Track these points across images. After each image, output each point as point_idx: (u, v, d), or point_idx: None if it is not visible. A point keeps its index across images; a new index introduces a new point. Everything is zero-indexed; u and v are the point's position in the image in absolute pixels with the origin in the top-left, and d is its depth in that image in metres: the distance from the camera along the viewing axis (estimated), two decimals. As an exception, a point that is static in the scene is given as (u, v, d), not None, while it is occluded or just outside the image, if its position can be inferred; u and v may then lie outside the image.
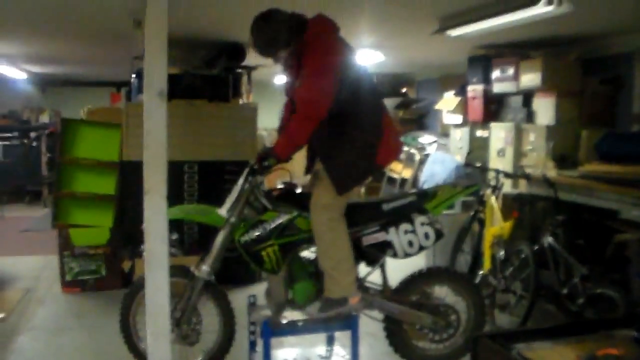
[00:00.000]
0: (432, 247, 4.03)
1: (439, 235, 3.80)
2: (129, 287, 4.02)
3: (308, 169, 3.85)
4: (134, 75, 6.92)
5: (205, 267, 3.61)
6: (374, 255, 3.75)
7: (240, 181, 3.58)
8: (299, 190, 3.82)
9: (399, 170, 8.54)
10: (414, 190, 4.58)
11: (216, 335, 3.86)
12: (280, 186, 3.83)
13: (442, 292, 3.98)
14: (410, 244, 3.74)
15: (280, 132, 3.88)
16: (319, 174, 3.65)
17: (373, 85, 3.84)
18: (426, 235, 3.76)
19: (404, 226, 3.73)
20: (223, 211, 3.59)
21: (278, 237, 3.59)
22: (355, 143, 3.52)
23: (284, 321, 3.74)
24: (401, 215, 3.75)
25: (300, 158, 3.82)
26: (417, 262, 4.84)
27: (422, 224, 3.75)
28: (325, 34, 3.53)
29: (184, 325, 3.66)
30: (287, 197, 3.74)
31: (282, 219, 3.61)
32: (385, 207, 3.77)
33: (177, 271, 3.72)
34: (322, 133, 3.49)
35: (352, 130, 3.50)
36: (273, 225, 3.60)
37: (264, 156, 3.53)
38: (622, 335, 2.76)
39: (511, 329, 3.90)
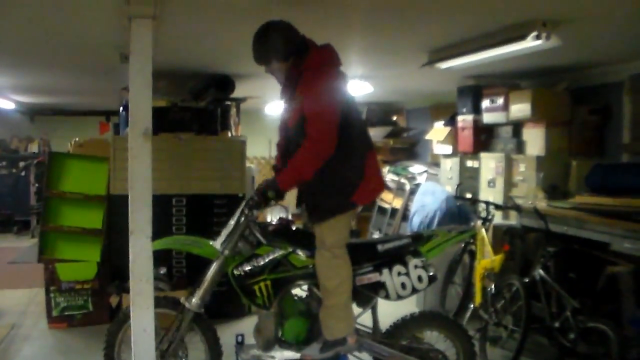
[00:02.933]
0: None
1: (432, 279, 3.80)
2: (114, 318, 3.97)
3: (299, 201, 3.83)
4: (122, 108, 6.89)
5: (195, 300, 3.60)
6: (366, 295, 3.73)
7: (237, 214, 3.59)
8: (294, 227, 3.83)
9: (389, 199, 8.51)
10: (408, 233, 4.57)
11: None
12: (275, 221, 3.84)
13: (432, 337, 3.96)
14: (403, 286, 3.73)
15: (276, 171, 3.87)
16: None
17: (361, 121, 3.85)
18: (419, 279, 3.75)
19: (398, 268, 3.73)
20: (217, 244, 3.60)
21: (271, 272, 3.58)
22: (335, 178, 3.52)
23: (273, 359, 3.70)
24: (395, 257, 3.75)
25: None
26: (408, 304, 4.82)
27: (416, 266, 3.75)
28: (329, 67, 3.54)
29: (170, 359, 3.63)
30: (282, 233, 3.74)
31: (275, 254, 3.61)
32: (380, 248, 3.78)
33: (166, 303, 3.73)
34: None
35: (336, 165, 3.49)
36: (267, 260, 3.59)
37: (266, 189, 3.53)
38: None
39: None
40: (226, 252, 3.57)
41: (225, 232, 3.60)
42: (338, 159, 3.47)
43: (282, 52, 3.50)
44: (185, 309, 3.61)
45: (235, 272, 3.58)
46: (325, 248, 3.55)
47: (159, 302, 3.65)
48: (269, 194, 3.51)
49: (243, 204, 3.61)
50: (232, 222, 3.60)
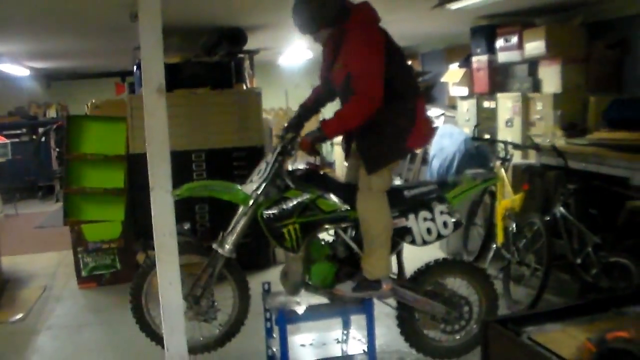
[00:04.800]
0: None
1: (457, 225, 3.82)
2: (139, 267, 4.03)
3: (347, 153, 3.91)
4: (135, 67, 6.89)
5: (228, 245, 3.65)
6: (393, 240, 3.74)
7: (270, 160, 3.63)
8: (321, 172, 3.86)
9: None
10: (429, 179, 4.58)
11: (231, 312, 3.92)
12: (303, 166, 3.85)
13: (455, 284, 4.00)
14: (429, 231, 3.76)
15: (301, 110, 3.96)
16: (357, 154, 3.72)
17: (409, 69, 3.87)
18: (445, 224, 3.78)
19: (424, 214, 3.75)
20: (248, 189, 3.64)
21: (300, 215, 3.60)
22: (388, 126, 3.58)
23: (299, 305, 3.75)
24: (421, 203, 3.78)
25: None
26: (432, 247, 4.84)
27: (442, 212, 3.77)
28: (370, 24, 3.57)
29: (203, 303, 3.73)
30: (310, 178, 3.76)
31: (304, 198, 3.63)
32: (407, 193, 3.81)
33: (198, 249, 3.83)
34: None
35: (387, 114, 3.54)
36: (295, 203, 3.61)
37: (314, 140, 3.61)
38: (632, 312, 2.73)
39: (521, 313, 3.89)
40: (260, 198, 3.60)
41: (257, 178, 3.63)
42: (389, 108, 3.52)
43: (326, 20, 3.53)
44: (218, 254, 3.66)
45: (265, 215, 3.60)
46: (370, 192, 3.61)
47: (189, 248, 3.75)
48: (317, 146, 3.64)
49: (277, 149, 3.64)
50: (265, 169, 3.63)
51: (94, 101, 6.63)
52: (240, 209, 3.69)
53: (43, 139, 10.87)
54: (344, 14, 3.52)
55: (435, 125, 4.01)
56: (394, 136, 3.60)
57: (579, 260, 4.58)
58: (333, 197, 3.71)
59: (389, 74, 3.49)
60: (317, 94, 3.98)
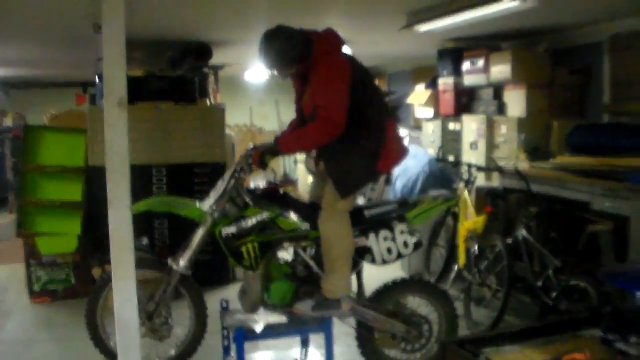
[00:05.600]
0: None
1: (417, 244, 3.86)
2: (95, 283, 3.95)
3: (317, 163, 3.90)
4: (97, 78, 6.77)
5: (183, 262, 3.63)
6: (353, 260, 3.74)
7: (227, 177, 3.63)
8: (281, 191, 3.88)
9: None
10: (392, 198, 4.61)
11: (187, 330, 3.89)
12: (263, 185, 3.86)
13: (415, 303, 4.01)
14: (389, 251, 3.79)
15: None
16: (324, 175, 3.73)
17: (377, 91, 3.88)
18: (405, 244, 3.80)
19: (384, 233, 3.77)
20: (206, 206, 3.64)
21: (258, 234, 3.61)
22: (358, 151, 3.61)
23: (258, 323, 3.69)
24: (382, 222, 3.80)
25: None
26: (393, 267, 4.87)
27: (402, 232, 3.80)
28: (333, 53, 3.60)
29: (156, 319, 3.69)
30: (270, 196, 3.76)
31: (263, 216, 3.63)
32: (367, 213, 3.84)
33: (152, 264, 3.81)
34: None
35: (356, 138, 3.57)
36: (255, 221, 3.61)
37: (265, 152, 3.56)
38: (589, 335, 2.79)
39: (479, 334, 3.93)
40: (215, 214, 3.60)
41: (214, 194, 3.63)
42: (358, 132, 3.56)
43: (293, 57, 3.55)
44: (173, 270, 3.64)
45: (223, 233, 3.60)
46: (333, 212, 3.62)
47: (145, 263, 3.71)
48: (265, 158, 3.54)
49: (235, 165, 3.64)
50: (221, 185, 3.63)
51: (53, 112, 6.51)
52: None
53: (-2, 148, 10.59)
54: (307, 46, 3.53)
55: (406, 145, 3.99)
56: (364, 161, 3.63)
57: (539, 283, 4.61)
58: (293, 216, 3.72)
59: (356, 99, 3.51)
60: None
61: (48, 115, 6.53)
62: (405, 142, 8.01)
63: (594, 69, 5.89)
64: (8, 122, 11.78)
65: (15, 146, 9.94)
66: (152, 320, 3.67)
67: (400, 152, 3.85)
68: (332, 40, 3.65)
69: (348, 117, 3.48)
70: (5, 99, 12.27)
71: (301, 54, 3.53)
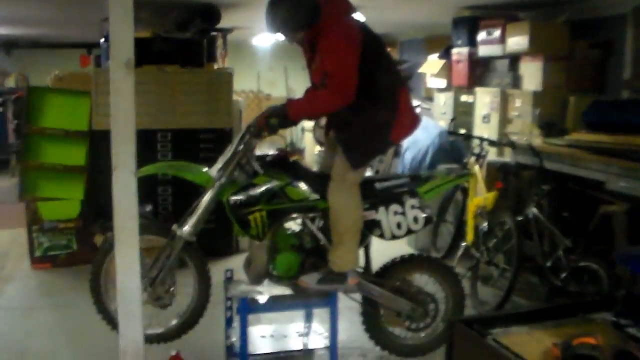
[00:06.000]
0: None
1: (427, 220, 3.79)
2: (99, 247, 3.89)
3: (327, 133, 3.85)
4: (103, 39, 6.65)
5: (187, 227, 3.53)
6: (361, 233, 3.67)
7: (236, 141, 3.53)
8: (291, 159, 3.80)
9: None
10: (406, 173, 4.51)
11: (190, 299, 3.81)
12: (273, 152, 3.76)
13: (422, 281, 3.96)
14: (399, 226, 3.71)
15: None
16: (335, 145, 3.65)
17: (389, 59, 3.76)
18: (415, 219, 3.73)
19: (394, 207, 3.70)
20: (213, 171, 3.53)
21: (267, 202, 3.50)
22: (370, 121, 3.52)
23: (262, 294, 3.66)
24: (392, 196, 3.72)
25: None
26: (400, 243, 4.81)
27: (413, 207, 3.72)
28: (342, 17, 3.49)
29: (158, 286, 3.61)
30: (279, 164, 3.67)
31: (272, 184, 3.54)
32: (378, 185, 3.77)
33: (156, 229, 3.73)
34: None
35: (368, 107, 3.49)
36: (263, 189, 3.51)
37: (271, 115, 3.45)
38: (600, 318, 2.75)
39: (488, 314, 3.90)
40: (222, 179, 3.48)
41: (222, 160, 3.53)
42: (371, 102, 3.47)
43: (301, 21, 3.42)
44: (177, 236, 3.55)
45: (231, 200, 3.50)
46: (344, 183, 3.55)
47: (148, 229, 3.62)
48: (271, 121, 3.43)
49: (244, 130, 3.53)
50: (230, 150, 3.53)
51: (57, 73, 6.37)
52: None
53: (0, 109, 10.49)
54: (315, 12, 3.40)
55: (419, 114, 3.87)
56: (376, 131, 3.55)
57: (549, 263, 4.56)
58: (302, 186, 3.63)
59: (367, 67, 3.41)
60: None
61: (52, 76, 6.40)
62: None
63: (616, 43, 5.70)
64: (11, 83, 11.71)
65: (18, 108, 9.86)
66: (155, 286, 3.59)
67: (413, 122, 3.75)
68: (342, 5, 3.54)
69: (360, 85, 3.38)
70: (6, 59, 12.12)
71: (309, 19, 3.40)
